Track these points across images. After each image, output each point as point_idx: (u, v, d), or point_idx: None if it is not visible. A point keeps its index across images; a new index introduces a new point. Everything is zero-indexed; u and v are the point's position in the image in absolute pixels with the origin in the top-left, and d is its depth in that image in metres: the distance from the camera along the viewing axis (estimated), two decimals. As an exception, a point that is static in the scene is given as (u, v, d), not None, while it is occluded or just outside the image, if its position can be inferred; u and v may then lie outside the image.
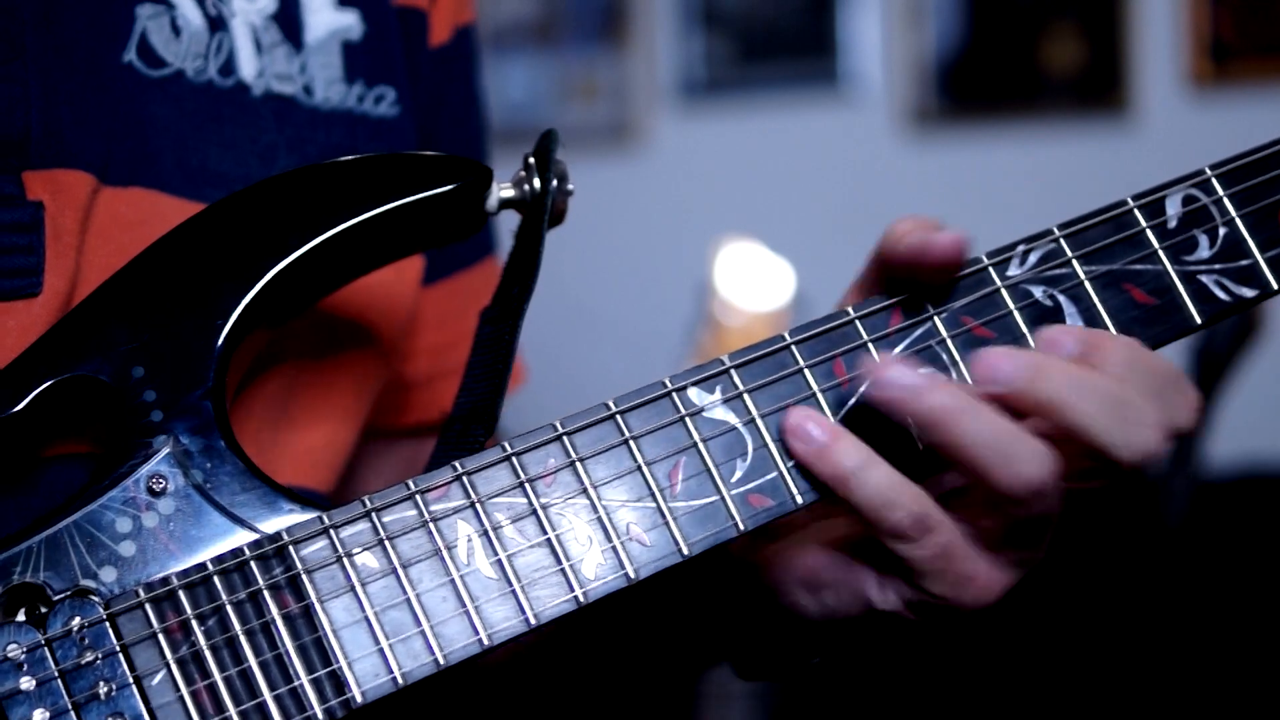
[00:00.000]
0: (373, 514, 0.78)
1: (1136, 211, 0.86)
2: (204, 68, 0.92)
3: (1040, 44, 4.24)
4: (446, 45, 1.08)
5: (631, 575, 0.79)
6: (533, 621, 0.78)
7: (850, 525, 0.86)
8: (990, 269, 0.85)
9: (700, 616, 0.95)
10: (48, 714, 0.74)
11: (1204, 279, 0.85)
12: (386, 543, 0.78)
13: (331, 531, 0.78)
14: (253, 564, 0.77)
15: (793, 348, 0.83)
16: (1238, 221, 0.86)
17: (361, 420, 1.04)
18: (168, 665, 0.75)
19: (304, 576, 0.77)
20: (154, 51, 0.90)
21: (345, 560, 0.77)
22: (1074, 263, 0.85)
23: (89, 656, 0.75)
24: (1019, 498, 0.78)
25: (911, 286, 0.84)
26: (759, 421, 0.81)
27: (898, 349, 0.83)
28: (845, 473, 0.79)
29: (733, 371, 0.82)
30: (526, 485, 0.79)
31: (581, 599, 0.78)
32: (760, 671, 0.95)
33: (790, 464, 0.82)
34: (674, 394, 0.81)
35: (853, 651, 0.90)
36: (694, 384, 0.82)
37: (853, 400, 0.83)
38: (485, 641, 0.77)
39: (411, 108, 1.03)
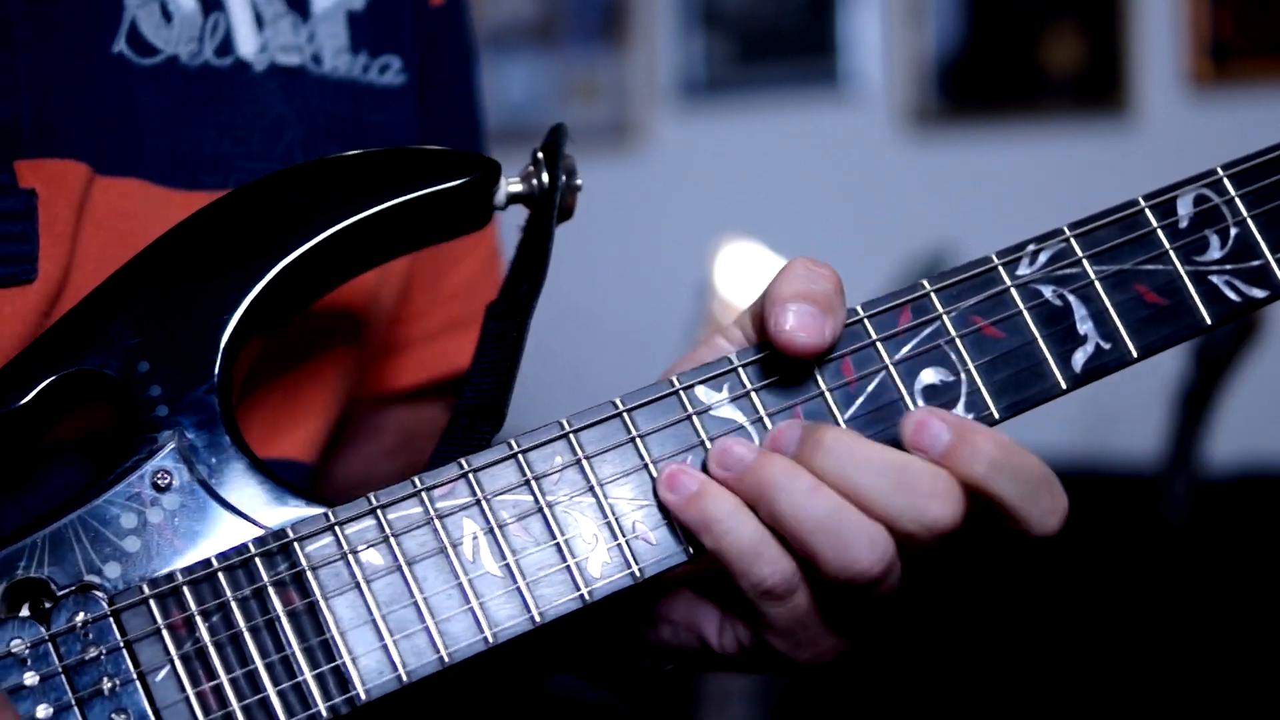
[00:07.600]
0: (378, 510, 0.78)
1: (1148, 211, 0.86)
2: (199, 50, 0.92)
3: (1040, 44, 4.23)
4: (440, 8, 1.09)
5: (637, 574, 0.79)
6: (538, 620, 0.77)
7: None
8: (1000, 268, 0.84)
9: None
10: (51, 709, 0.74)
11: (1215, 279, 0.85)
12: (391, 539, 0.78)
13: (336, 528, 0.77)
14: (257, 560, 0.77)
15: (800, 347, 0.82)
16: (1249, 222, 0.86)
17: (340, 408, 1.05)
18: (172, 661, 0.75)
19: (308, 573, 0.77)
20: (144, 39, 0.90)
21: (350, 557, 0.77)
22: (1084, 262, 0.85)
23: (93, 652, 0.75)
24: (849, 582, 0.76)
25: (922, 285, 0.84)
26: (766, 420, 0.81)
27: (906, 348, 0.83)
28: (711, 519, 0.77)
29: (740, 370, 0.82)
30: (532, 482, 0.79)
31: (587, 597, 0.78)
32: (608, 680, 0.94)
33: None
34: (681, 392, 0.81)
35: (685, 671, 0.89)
36: (701, 382, 0.82)
37: (859, 401, 0.82)
38: (490, 640, 0.77)
39: (418, 75, 1.03)
